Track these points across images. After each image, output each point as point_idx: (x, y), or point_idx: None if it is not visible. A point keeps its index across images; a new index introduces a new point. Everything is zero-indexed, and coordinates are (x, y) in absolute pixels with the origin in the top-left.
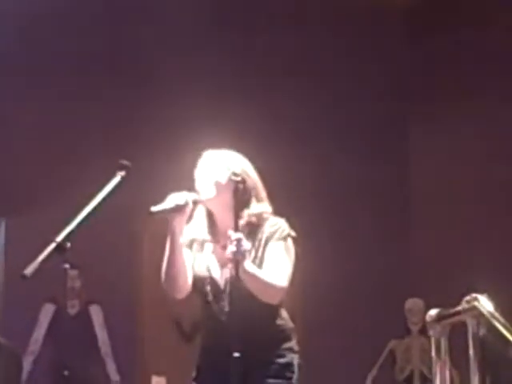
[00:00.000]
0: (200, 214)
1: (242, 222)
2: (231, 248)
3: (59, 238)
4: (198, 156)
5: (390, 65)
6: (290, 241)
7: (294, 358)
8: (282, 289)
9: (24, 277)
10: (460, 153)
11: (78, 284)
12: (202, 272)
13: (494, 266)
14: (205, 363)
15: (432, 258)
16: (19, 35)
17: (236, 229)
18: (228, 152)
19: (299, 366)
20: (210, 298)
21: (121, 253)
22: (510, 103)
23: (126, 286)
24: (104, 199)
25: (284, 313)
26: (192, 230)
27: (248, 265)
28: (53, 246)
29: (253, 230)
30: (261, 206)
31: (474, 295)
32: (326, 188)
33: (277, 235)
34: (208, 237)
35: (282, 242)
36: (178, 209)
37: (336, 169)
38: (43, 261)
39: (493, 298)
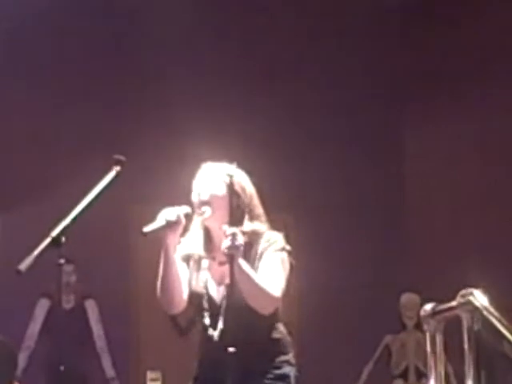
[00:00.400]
0: (196, 227)
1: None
2: (226, 243)
3: (54, 233)
4: (197, 159)
5: (386, 66)
6: (285, 254)
7: (291, 371)
8: (274, 298)
9: (19, 272)
10: (456, 150)
11: (73, 279)
12: (199, 288)
13: (488, 260)
14: (202, 377)
15: (427, 252)
16: (18, 34)
17: (231, 221)
18: (226, 166)
19: (296, 378)
20: (206, 314)
21: (116, 247)
22: (508, 105)
23: (122, 280)
24: (99, 194)
25: (281, 326)
26: (188, 245)
27: (243, 263)
28: (48, 240)
29: (248, 246)
30: (254, 224)
31: (468, 290)
32: (322, 188)
33: (272, 248)
34: (204, 253)
35: (277, 253)
36: (170, 225)
37: (332, 170)
38: (38, 256)
39: (487, 292)
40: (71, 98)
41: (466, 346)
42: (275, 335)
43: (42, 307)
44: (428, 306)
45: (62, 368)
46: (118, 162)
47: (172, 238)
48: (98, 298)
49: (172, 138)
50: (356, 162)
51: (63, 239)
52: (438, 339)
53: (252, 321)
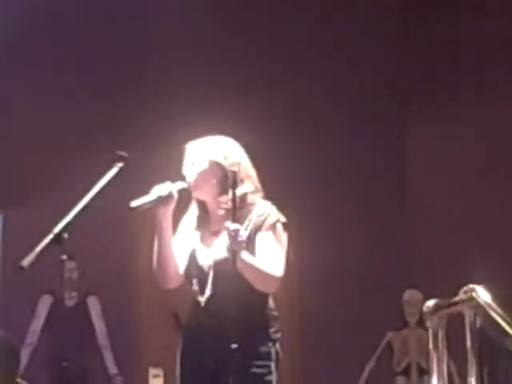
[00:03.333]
0: (193, 208)
1: (222, 211)
2: (229, 238)
3: (57, 230)
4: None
5: (387, 64)
6: (279, 227)
7: (272, 347)
8: (278, 279)
9: (21, 268)
10: (457, 150)
11: (75, 275)
12: (190, 261)
13: (491, 257)
14: (187, 345)
15: (429, 248)
16: (18, 33)
17: (234, 217)
18: (207, 139)
19: (277, 354)
20: (195, 281)
21: (118, 244)
22: (508, 107)
23: (124, 277)
24: (101, 190)
25: (270, 300)
26: (187, 221)
27: (245, 255)
28: (50, 237)
29: (241, 218)
30: (240, 189)
31: (471, 286)
32: (325, 182)
33: (265, 225)
34: (200, 225)
35: (270, 232)
36: (162, 200)
37: (335, 165)
38: (40, 252)
39: (490, 289)
40: (73, 96)
41: (468, 343)
42: (263, 308)
43: (45, 304)
44: (430, 303)
45: (64, 364)
46: (120, 159)
47: (164, 212)
48: (100, 295)
49: (174, 136)
50: (358, 161)
51: (65, 236)
52: (441, 336)
53: (242, 291)
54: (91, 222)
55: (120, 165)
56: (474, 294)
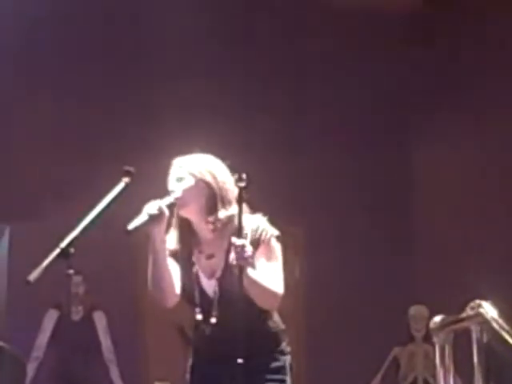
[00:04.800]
0: (175, 227)
1: (210, 233)
2: (235, 254)
3: (63, 244)
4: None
5: (392, 71)
6: (273, 241)
7: (286, 361)
8: (280, 296)
9: (28, 282)
10: (462, 161)
11: (81, 290)
12: (191, 283)
13: (497, 272)
14: (197, 372)
15: (436, 264)
16: (19, 35)
17: (240, 233)
18: (195, 157)
19: (291, 366)
20: (198, 310)
21: (124, 259)
22: (509, 112)
23: (130, 292)
24: (108, 205)
25: (275, 315)
26: (173, 240)
27: (251, 271)
28: (57, 251)
29: (224, 234)
30: (228, 210)
31: (478, 302)
32: (331, 195)
33: (261, 241)
34: (191, 247)
35: (267, 248)
36: (154, 219)
37: (339, 176)
38: (47, 266)
39: (496, 304)
40: (77, 111)
41: (475, 358)
42: (270, 325)
43: (51, 318)
44: (437, 318)
45: (70, 378)
46: (127, 173)
47: (158, 231)
48: (106, 310)
49: (177, 149)
50: (363, 174)
51: (72, 250)
52: (447, 351)
53: (247, 313)
54: (98, 236)
55: (127, 180)
56: (480, 310)
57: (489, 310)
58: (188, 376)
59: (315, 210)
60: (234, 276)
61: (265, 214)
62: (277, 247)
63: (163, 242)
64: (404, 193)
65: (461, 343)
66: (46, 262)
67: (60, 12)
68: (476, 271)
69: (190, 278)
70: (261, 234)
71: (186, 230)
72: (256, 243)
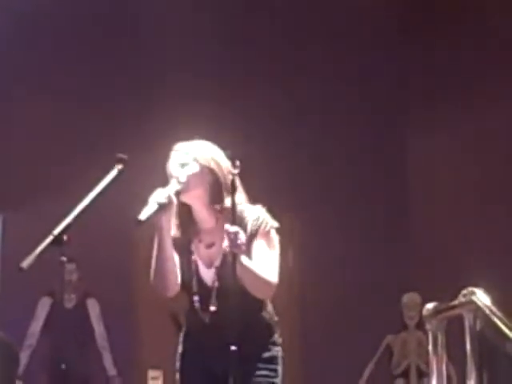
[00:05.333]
0: (178, 211)
1: (213, 221)
2: (229, 241)
3: (56, 231)
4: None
5: (389, 66)
6: (273, 232)
7: (279, 351)
8: (274, 285)
9: (21, 269)
10: (458, 152)
11: (74, 277)
12: (190, 271)
13: (490, 260)
14: (191, 357)
15: (428, 252)
16: (17, 37)
17: (234, 220)
18: (197, 143)
19: (282, 358)
20: (196, 298)
21: (117, 246)
22: (508, 111)
23: (123, 279)
24: (101, 192)
25: (269, 306)
26: (173, 228)
27: (245, 259)
28: (50, 238)
29: (224, 223)
30: (239, 195)
31: (470, 289)
32: (327, 187)
33: (260, 231)
34: (190, 235)
35: (265, 238)
36: (163, 207)
37: (337, 169)
38: (40, 254)
39: (489, 291)
40: (71, 98)
41: (467, 346)
42: (265, 315)
43: (44, 305)
44: (430, 306)
45: (63, 366)
46: (120, 161)
47: (166, 220)
48: (99, 297)
49: (174, 137)
50: (360, 164)
51: (65, 237)
52: (440, 339)
53: (243, 303)
54: (91, 223)
55: (120, 167)
56: (473, 297)
57: (481, 297)
58: (178, 364)
59: (311, 200)
60: (231, 265)
61: (263, 205)
62: (275, 238)
63: (169, 231)
64: (401, 184)
65: (454, 330)
66: (38, 249)
67: (58, 13)
68: (469, 259)
69: (188, 267)
70: (261, 224)
71: (186, 218)
72: (255, 232)
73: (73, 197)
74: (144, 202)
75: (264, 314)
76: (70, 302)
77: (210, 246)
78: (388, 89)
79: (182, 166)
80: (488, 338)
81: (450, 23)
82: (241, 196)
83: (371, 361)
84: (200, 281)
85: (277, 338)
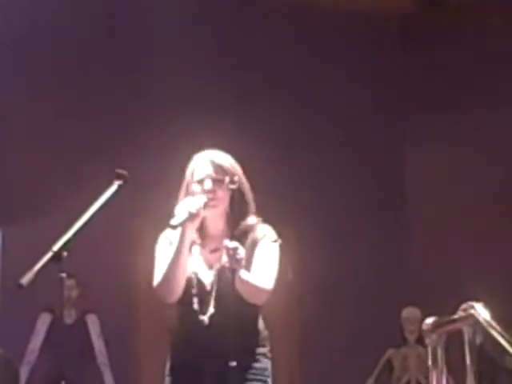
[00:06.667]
0: None
1: (221, 228)
2: (228, 257)
3: (56, 247)
4: (192, 157)
5: (388, 76)
6: (277, 246)
7: (269, 364)
8: (268, 291)
9: (20, 286)
10: (457, 162)
11: (74, 293)
12: (189, 274)
13: (490, 274)
14: (180, 365)
15: (429, 266)
16: (18, 42)
17: (233, 235)
18: (228, 158)
19: (272, 372)
20: (196, 300)
21: (117, 262)
22: (508, 119)
23: (123, 295)
24: (101, 208)
25: (261, 319)
26: (169, 236)
27: (244, 274)
28: (49, 255)
29: (239, 235)
30: (254, 217)
31: (470, 303)
32: (324, 197)
33: (265, 239)
34: (197, 239)
35: (269, 247)
36: (192, 217)
37: (334, 178)
38: (40, 270)
39: (489, 306)
40: (73, 113)
41: (467, 360)
42: (259, 326)
43: (44, 322)
44: (429, 320)
45: (63, 383)
46: (119, 176)
47: (191, 230)
48: (99, 313)
49: (172, 151)
50: (357, 176)
51: (65, 254)
52: (440, 353)
53: (240, 307)
54: (90, 239)
55: (120, 183)
56: (472, 312)
57: (481, 311)
58: (168, 379)
59: (308, 211)
60: (231, 271)
61: (258, 215)
62: (277, 251)
63: (189, 240)
64: (400, 196)
65: (453, 345)
66: (38, 266)
67: (59, 20)
68: (469, 273)
69: (189, 269)
70: (267, 234)
71: (200, 223)
72: (261, 239)
73: (72, 212)
74: (142, 217)
75: (259, 323)
76: (69, 318)
77: (213, 251)
78: (387, 99)
79: (212, 177)
80: (487, 352)
81: (451, 32)
82: (256, 218)
83: (372, 375)
84: (199, 282)
85: (268, 351)
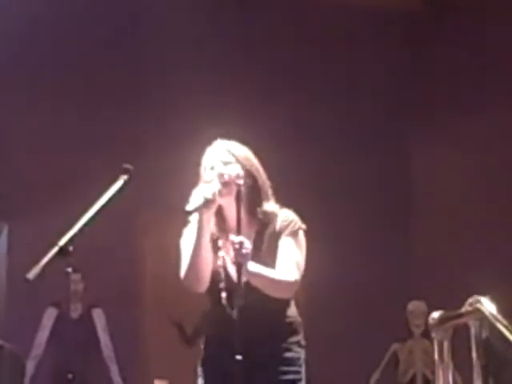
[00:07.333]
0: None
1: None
2: (234, 251)
3: (62, 242)
4: (201, 152)
5: (391, 76)
6: (301, 233)
7: (302, 353)
8: (291, 283)
9: (27, 280)
10: (461, 159)
11: (80, 288)
12: (217, 267)
13: (496, 268)
14: (212, 358)
15: (434, 260)
16: (18, 38)
17: (238, 229)
18: (241, 147)
19: (306, 360)
20: (224, 293)
21: (123, 256)
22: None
23: (129, 289)
24: (107, 203)
25: (293, 306)
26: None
27: (251, 266)
28: (56, 249)
29: (263, 226)
30: (270, 204)
31: (476, 297)
32: (327, 193)
33: (288, 230)
34: (219, 232)
35: (292, 237)
36: (207, 203)
37: (338, 180)
38: (46, 264)
39: (495, 300)
40: (78, 108)
41: (473, 354)
42: (289, 314)
43: (50, 316)
44: (436, 314)
45: (69, 376)
46: (125, 171)
47: (207, 217)
48: (105, 307)
49: (176, 145)
50: (362, 175)
51: (71, 248)
52: (446, 347)
53: (269, 298)
54: (96, 234)
55: (125, 177)
56: (479, 306)
57: (487, 305)
58: (200, 369)
59: (311, 206)
60: (258, 262)
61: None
62: (302, 239)
63: (209, 227)
64: (403, 190)
65: (460, 339)
66: (44, 260)
67: (62, 18)
68: (474, 267)
69: (216, 262)
70: (290, 223)
71: (219, 216)
72: (284, 230)
73: (79, 206)
74: (148, 211)
75: (288, 312)
76: (75, 312)
77: None
78: (389, 99)
79: (226, 164)
80: (494, 346)
81: (451, 33)
82: (274, 205)
83: (377, 369)
84: (227, 276)
85: (301, 338)
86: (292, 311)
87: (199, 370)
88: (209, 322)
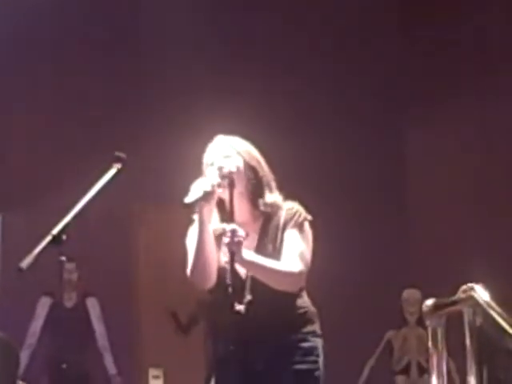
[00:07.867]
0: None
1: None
2: (226, 239)
3: (55, 231)
4: (201, 147)
5: (387, 64)
6: (306, 225)
7: (318, 342)
8: (295, 274)
9: (20, 270)
10: (458, 151)
11: (74, 277)
12: (223, 263)
13: (490, 256)
14: (224, 355)
15: (429, 248)
16: (17, 34)
17: (231, 217)
18: (242, 141)
19: (323, 348)
20: (231, 289)
21: (117, 245)
22: (509, 104)
23: (123, 278)
24: (100, 191)
25: (305, 296)
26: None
27: (246, 253)
28: (49, 238)
29: (268, 219)
30: (273, 195)
31: (470, 285)
32: (325, 185)
33: (293, 221)
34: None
35: (298, 229)
36: (206, 196)
37: (335, 168)
38: (39, 253)
39: (489, 287)
40: (72, 97)
41: (467, 342)
42: (301, 304)
43: (44, 305)
44: (429, 302)
45: (64, 366)
46: (118, 159)
47: (208, 210)
48: (99, 296)
49: (172, 135)
50: (359, 162)
51: (64, 237)
52: (440, 334)
53: (277, 292)
54: (90, 223)
55: (118, 166)
56: (472, 293)
57: (481, 293)
58: (213, 366)
59: (309, 198)
60: (264, 256)
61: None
62: (308, 230)
63: (209, 221)
64: (400, 181)
65: (454, 326)
66: (38, 249)
67: (61, 10)
68: (468, 254)
69: (222, 258)
70: (294, 214)
71: (223, 210)
72: (289, 221)
73: (72, 196)
74: (142, 200)
75: (300, 302)
76: (69, 301)
77: (244, 238)
78: (387, 86)
79: (226, 157)
80: (487, 333)
81: (450, 20)
82: (278, 196)
83: (372, 357)
84: (234, 271)
85: (317, 327)
86: (304, 301)
87: (216, 369)
88: (218, 321)
